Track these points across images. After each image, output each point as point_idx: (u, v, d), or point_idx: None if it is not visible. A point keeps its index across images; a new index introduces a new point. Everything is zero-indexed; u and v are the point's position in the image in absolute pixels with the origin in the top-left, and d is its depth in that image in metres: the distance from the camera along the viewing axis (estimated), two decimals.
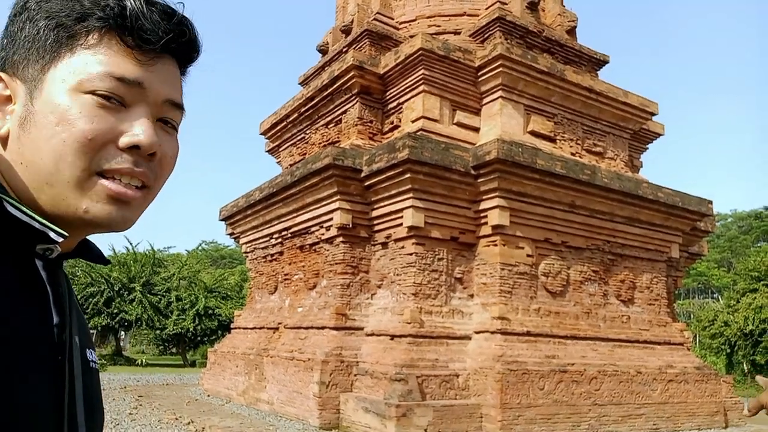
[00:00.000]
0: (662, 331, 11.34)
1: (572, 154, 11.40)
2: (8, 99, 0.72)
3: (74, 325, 0.73)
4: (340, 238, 10.17)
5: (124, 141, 0.71)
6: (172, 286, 26.86)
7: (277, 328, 11.57)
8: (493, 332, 9.18)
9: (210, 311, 26.03)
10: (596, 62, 13.34)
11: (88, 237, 0.79)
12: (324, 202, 10.36)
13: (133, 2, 0.71)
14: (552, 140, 11.31)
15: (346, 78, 11.35)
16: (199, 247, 59.84)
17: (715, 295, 42.17)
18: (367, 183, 9.93)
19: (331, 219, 10.19)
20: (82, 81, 0.69)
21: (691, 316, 31.17)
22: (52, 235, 0.66)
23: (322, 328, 9.94)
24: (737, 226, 56.74)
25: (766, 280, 21.69)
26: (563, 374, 9.13)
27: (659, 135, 14.26)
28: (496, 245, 9.64)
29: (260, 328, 12.21)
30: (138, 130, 0.71)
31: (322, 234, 10.57)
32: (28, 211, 0.64)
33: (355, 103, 11.50)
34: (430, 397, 8.48)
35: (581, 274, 10.54)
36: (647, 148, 14.47)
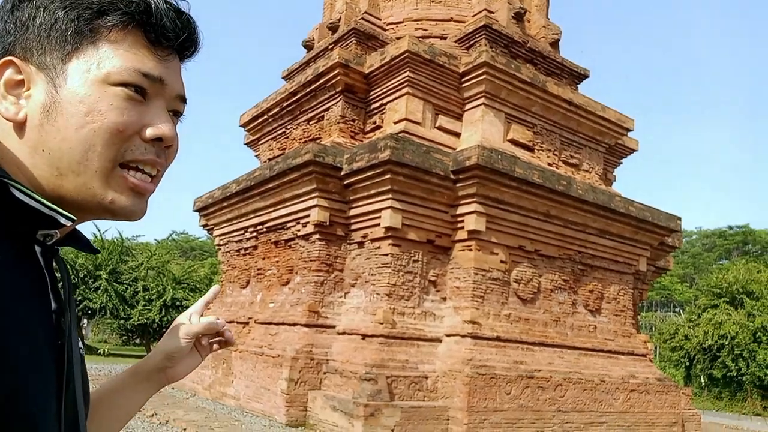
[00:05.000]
0: (626, 342, 11.61)
1: (549, 164, 11.58)
2: (20, 83, 0.72)
3: (73, 311, 0.74)
4: (317, 236, 10.14)
5: (150, 133, 0.75)
6: (139, 276, 26.30)
7: (247, 323, 11.47)
8: (463, 336, 9.28)
9: (177, 303, 25.58)
10: (577, 75, 13.59)
11: (76, 227, 0.80)
12: (302, 199, 10.32)
13: (156, 1, 0.74)
14: (530, 149, 11.48)
15: (330, 75, 11.32)
16: (170, 238, 58.73)
17: (677, 309, 43.28)
18: (346, 181, 9.93)
19: (308, 216, 10.16)
20: (111, 73, 0.71)
21: (653, 328, 31.95)
22: (61, 219, 0.66)
23: (294, 324, 9.89)
24: (701, 243, 58.30)
25: (726, 297, 22.36)
26: (530, 380, 9.27)
27: (633, 150, 14.60)
28: (471, 250, 9.73)
29: (230, 322, 12.07)
30: (161, 122, 0.76)
31: (299, 230, 10.53)
32: (37, 196, 0.64)
33: (339, 100, 11.48)
34: (399, 397, 8.52)
35: (552, 282, 10.72)
36: (621, 163, 14.79)
